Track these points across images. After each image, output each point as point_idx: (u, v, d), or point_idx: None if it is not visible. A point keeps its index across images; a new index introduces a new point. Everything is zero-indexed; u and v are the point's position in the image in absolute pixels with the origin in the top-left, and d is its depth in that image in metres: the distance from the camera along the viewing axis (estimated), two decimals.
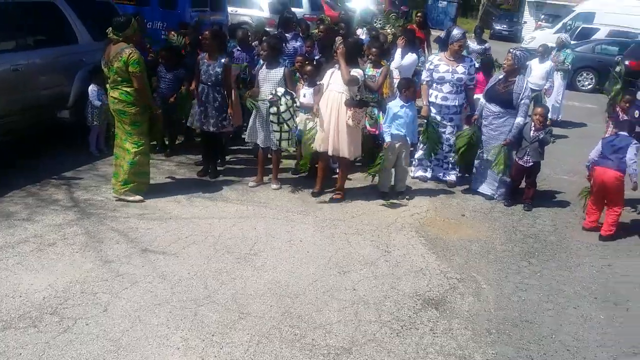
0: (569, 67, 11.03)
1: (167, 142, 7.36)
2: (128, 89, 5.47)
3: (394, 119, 6.21)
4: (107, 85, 5.63)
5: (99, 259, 4.58)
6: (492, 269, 5.02)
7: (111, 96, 5.57)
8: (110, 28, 5.45)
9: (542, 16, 29.92)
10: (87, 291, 4.12)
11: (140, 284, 4.27)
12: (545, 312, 4.40)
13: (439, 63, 6.83)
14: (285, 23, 8.60)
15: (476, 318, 4.24)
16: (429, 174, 7.18)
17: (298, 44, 8.37)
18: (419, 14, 11.34)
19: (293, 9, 11.75)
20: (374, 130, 7.11)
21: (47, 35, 6.80)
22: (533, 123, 6.37)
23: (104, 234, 4.99)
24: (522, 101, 6.25)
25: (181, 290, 4.23)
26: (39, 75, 6.46)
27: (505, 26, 33.18)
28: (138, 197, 5.72)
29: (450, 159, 7.00)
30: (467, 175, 7.16)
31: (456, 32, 6.95)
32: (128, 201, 5.67)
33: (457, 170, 7.13)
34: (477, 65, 7.32)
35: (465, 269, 4.98)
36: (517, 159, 6.46)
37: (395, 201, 6.32)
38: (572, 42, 13.93)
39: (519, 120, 6.27)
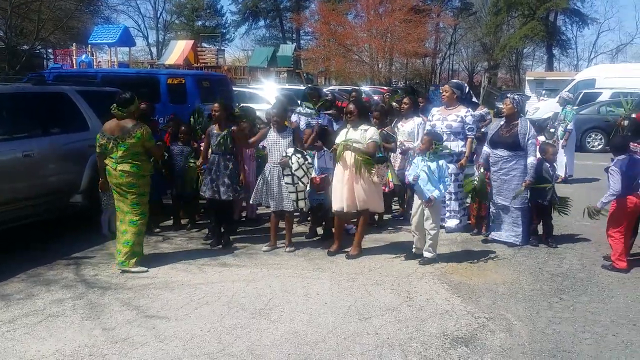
0: (568, 125, 10.72)
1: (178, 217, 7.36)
2: (138, 162, 5.62)
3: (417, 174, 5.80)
4: (107, 160, 5.65)
5: (108, 325, 4.39)
6: (522, 307, 4.74)
7: (120, 170, 5.57)
8: (115, 104, 5.61)
9: (543, 91, 30.51)
10: (96, 353, 3.92)
11: (150, 344, 4.06)
12: (583, 342, 4.09)
13: (434, 114, 7.09)
14: (311, 94, 8.67)
15: (510, 352, 3.94)
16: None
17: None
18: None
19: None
20: (383, 188, 7.05)
21: (59, 122, 7.01)
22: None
23: (112, 304, 4.81)
24: (529, 141, 6.25)
25: (194, 346, 4.01)
26: (50, 161, 6.58)
27: None
28: (143, 269, 5.66)
29: (454, 206, 6.97)
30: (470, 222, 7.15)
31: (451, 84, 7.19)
32: (133, 272, 5.57)
33: (460, 218, 7.00)
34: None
35: (493, 308, 4.70)
36: (539, 201, 6.46)
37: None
38: (575, 107, 13.90)
39: (531, 159, 6.24)
